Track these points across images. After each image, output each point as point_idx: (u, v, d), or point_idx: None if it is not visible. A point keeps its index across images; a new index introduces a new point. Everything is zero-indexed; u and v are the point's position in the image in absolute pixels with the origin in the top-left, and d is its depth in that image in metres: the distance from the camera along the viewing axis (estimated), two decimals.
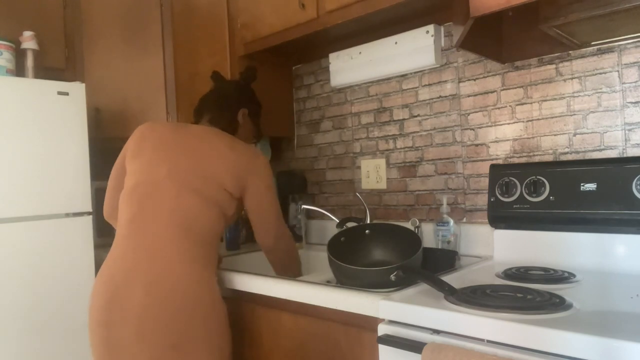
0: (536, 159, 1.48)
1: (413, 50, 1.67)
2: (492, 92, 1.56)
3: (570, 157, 1.41)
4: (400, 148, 1.80)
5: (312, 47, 1.94)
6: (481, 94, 1.58)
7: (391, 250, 1.42)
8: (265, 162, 1.47)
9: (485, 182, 1.58)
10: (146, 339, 1.20)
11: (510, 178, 1.43)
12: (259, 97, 1.71)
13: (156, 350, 1.20)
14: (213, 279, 1.32)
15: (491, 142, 1.57)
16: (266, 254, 1.52)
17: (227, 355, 1.31)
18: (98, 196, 2.10)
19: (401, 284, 1.15)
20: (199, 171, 1.35)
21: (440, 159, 1.69)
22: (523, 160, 1.50)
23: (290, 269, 1.55)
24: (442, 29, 1.65)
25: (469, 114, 1.61)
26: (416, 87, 1.74)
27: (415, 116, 1.75)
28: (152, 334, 1.20)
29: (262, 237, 1.47)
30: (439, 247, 1.56)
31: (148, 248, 1.27)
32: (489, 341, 0.89)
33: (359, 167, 1.93)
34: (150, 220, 1.30)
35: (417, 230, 1.63)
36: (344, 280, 1.26)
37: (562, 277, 1.19)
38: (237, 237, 2.04)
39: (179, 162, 1.36)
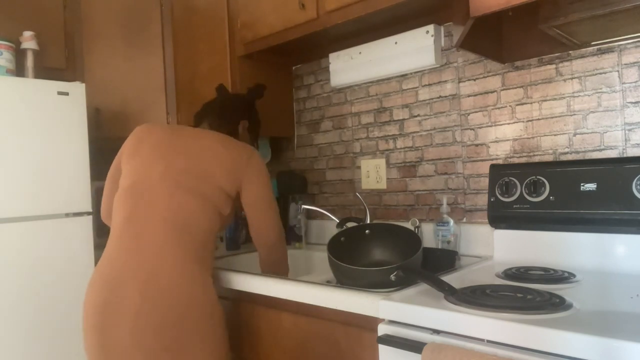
0: (536, 159, 1.48)
1: (413, 50, 1.67)
2: (492, 92, 1.56)
3: (570, 157, 1.41)
4: (400, 148, 1.80)
5: (312, 47, 1.94)
6: (481, 94, 1.58)
7: (391, 250, 1.42)
8: (261, 160, 1.48)
9: (485, 182, 1.58)
10: (140, 342, 1.18)
11: (510, 178, 1.43)
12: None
13: (150, 353, 1.19)
14: (208, 279, 1.31)
15: (491, 142, 1.57)
16: (266, 250, 1.50)
17: (223, 356, 1.30)
18: (98, 196, 2.08)
19: (401, 284, 1.15)
20: (194, 171, 1.35)
21: (440, 159, 1.69)
22: (523, 160, 1.50)
23: (283, 267, 1.55)
24: (442, 29, 1.65)
25: (469, 114, 1.61)
26: (416, 87, 1.74)
27: (415, 116, 1.75)
28: (146, 337, 1.19)
29: (264, 233, 1.47)
30: (439, 247, 1.56)
31: (141, 249, 1.26)
32: (489, 341, 0.89)
33: (359, 167, 1.93)
34: (144, 220, 1.29)
35: (417, 230, 1.63)
36: (344, 280, 1.26)
37: (562, 277, 1.19)
38: (237, 237, 2.04)
39: (174, 162, 1.36)
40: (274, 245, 1.50)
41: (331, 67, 1.92)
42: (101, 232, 2.19)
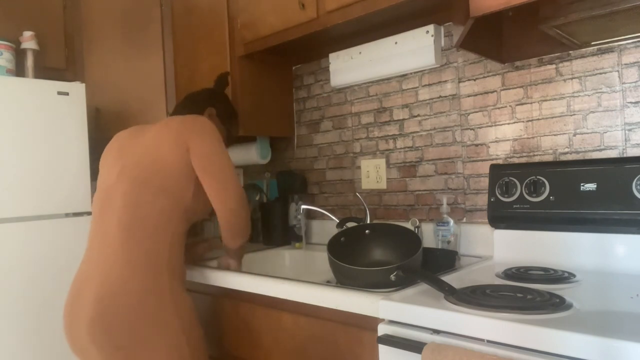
0: (536, 159, 1.48)
1: (413, 50, 1.67)
2: (492, 92, 1.56)
3: (570, 157, 1.41)
4: (400, 148, 1.80)
5: (312, 47, 1.94)
6: (481, 94, 1.58)
7: (391, 250, 1.42)
8: (205, 120, 1.42)
9: (485, 182, 1.58)
10: (94, 340, 1.24)
11: (510, 178, 1.43)
12: (259, 96, 1.72)
13: (104, 351, 1.25)
14: (162, 275, 1.31)
15: (491, 142, 1.56)
16: (228, 217, 1.40)
17: (188, 353, 1.31)
18: None
19: (401, 284, 1.15)
20: (145, 162, 1.37)
21: (440, 159, 1.69)
22: (523, 160, 1.50)
23: (245, 232, 1.46)
24: (442, 29, 1.65)
25: (469, 114, 1.61)
26: (416, 87, 1.74)
27: (415, 116, 1.75)
28: (99, 336, 1.24)
29: (223, 198, 1.37)
30: (439, 247, 1.56)
31: (100, 252, 1.33)
32: (489, 341, 0.89)
33: (359, 167, 1.93)
34: (103, 223, 1.36)
35: (417, 230, 1.63)
36: (344, 280, 1.26)
37: (562, 277, 1.19)
38: None
39: (128, 160, 1.40)
40: (232, 210, 1.39)
41: (331, 67, 1.92)
42: None
